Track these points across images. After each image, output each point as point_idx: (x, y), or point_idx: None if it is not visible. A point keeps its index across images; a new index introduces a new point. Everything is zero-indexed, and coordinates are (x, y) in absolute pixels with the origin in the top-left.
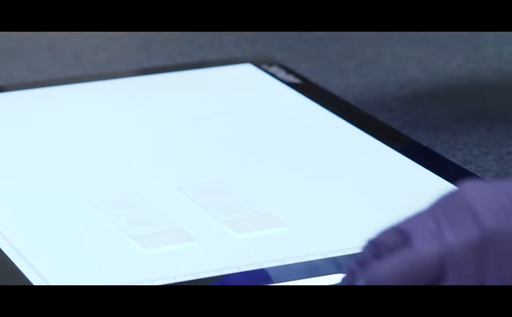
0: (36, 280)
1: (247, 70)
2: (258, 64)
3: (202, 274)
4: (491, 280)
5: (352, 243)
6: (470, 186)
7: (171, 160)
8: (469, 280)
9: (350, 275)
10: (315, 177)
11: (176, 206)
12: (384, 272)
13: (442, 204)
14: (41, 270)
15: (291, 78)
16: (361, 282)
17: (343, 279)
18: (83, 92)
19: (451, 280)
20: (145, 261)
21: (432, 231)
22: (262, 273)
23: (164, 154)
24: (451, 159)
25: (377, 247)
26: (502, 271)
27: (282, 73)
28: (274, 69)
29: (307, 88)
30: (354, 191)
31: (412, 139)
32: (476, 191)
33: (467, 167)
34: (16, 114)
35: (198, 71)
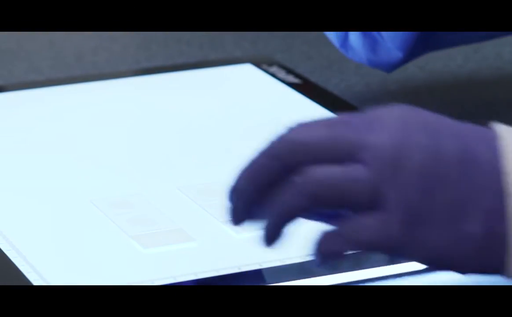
0: (36, 280)
1: (247, 70)
2: (258, 64)
3: (202, 274)
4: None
5: None
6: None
7: (171, 160)
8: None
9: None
10: None
11: (176, 206)
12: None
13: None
14: (41, 270)
15: (291, 78)
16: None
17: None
18: (83, 92)
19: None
20: (145, 261)
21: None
22: (262, 273)
23: (164, 154)
24: None
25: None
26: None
27: (282, 73)
28: (274, 69)
29: (307, 88)
30: None
31: None
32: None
33: None
34: (16, 114)
35: (198, 71)
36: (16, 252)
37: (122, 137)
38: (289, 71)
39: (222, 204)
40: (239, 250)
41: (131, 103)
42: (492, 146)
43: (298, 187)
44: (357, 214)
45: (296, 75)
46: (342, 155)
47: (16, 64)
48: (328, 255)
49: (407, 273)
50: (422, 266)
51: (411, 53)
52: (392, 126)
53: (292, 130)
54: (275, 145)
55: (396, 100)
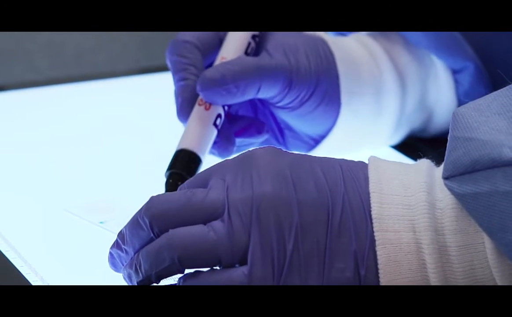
0: (35, 281)
1: None
2: None
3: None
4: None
5: None
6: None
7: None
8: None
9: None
10: None
11: None
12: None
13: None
14: (40, 271)
15: None
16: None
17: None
18: (83, 92)
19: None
20: None
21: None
22: None
23: (164, 154)
24: None
25: None
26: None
27: None
28: None
29: None
30: None
31: (413, 139)
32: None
33: None
34: (16, 114)
35: None
36: (14, 252)
37: (122, 137)
38: None
39: None
40: None
41: (131, 103)
42: (362, 190)
43: (161, 252)
44: (226, 269)
45: None
46: (204, 216)
47: (16, 64)
48: None
49: None
50: None
51: None
52: (255, 178)
53: (151, 202)
54: (139, 218)
55: None
